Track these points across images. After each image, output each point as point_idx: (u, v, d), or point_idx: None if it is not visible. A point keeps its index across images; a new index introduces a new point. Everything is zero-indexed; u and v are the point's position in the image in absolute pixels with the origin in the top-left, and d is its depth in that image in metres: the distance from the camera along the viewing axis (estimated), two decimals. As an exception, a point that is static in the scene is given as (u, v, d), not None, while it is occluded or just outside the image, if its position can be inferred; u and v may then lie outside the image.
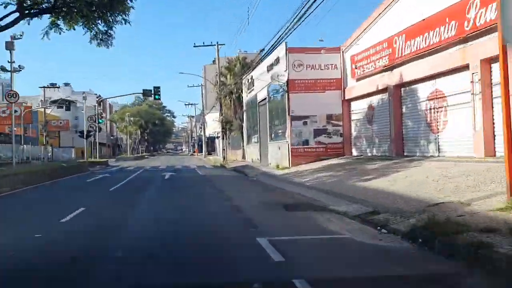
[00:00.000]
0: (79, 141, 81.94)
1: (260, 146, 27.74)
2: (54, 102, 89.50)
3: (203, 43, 37.39)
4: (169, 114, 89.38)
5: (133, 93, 37.33)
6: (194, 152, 74.69)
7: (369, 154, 18.69)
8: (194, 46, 37.76)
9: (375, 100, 18.25)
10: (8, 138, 50.41)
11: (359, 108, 19.73)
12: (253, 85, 28.94)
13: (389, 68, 16.53)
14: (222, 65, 40.39)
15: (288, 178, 15.70)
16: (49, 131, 68.21)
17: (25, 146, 52.40)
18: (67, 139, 75.22)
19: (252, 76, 29.37)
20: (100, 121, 36.64)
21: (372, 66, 17.72)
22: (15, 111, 52.57)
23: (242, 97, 41.68)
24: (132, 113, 66.40)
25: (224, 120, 38.96)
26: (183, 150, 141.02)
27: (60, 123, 68.35)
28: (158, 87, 34.45)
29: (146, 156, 68.89)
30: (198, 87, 61.08)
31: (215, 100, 52.60)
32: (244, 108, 33.98)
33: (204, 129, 55.08)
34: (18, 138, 49.94)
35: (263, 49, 20.90)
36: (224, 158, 33.66)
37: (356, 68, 19.03)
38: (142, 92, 34.97)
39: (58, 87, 53.96)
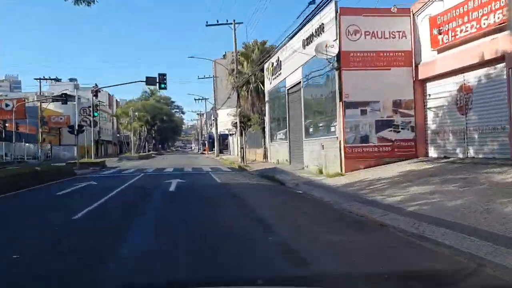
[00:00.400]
0: (83, 139, 77.08)
1: (290, 144, 22.21)
2: (54, 97, 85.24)
3: (217, 21, 31.96)
4: (177, 110, 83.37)
5: (135, 81, 31.31)
6: (204, 150, 69.34)
7: (461, 156, 13.02)
8: (207, 25, 32.43)
9: (473, 77, 12.57)
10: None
11: (440, 91, 14.04)
12: (280, 69, 23.39)
13: (507, 25, 10.85)
14: (238, 51, 34.98)
15: (359, 194, 10.11)
16: (50, 128, 63.40)
17: (19, 144, 47.60)
18: (70, 136, 70.07)
19: (278, 58, 23.82)
20: (96, 114, 31.09)
21: (471, 27, 12.05)
22: (7, 105, 47.88)
23: (261, 88, 36.33)
24: (137, 107, 60.73)
25: (242, 114, 33.69)
26: (192, 148, 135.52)
27: (61, 119, 62.99)
28: (164, 75, 29.12)
29: (153, 155, 63.54)
30: (209, 79, 55.81)
31: (227, 94, 47.35)
32: (266, 98, 28.45)
33: (216, 125, 49.68)
34: (16, 135, 45.23)
35: (314, 0, 15.18)
36: (242, 158, 28.16)
37: (440, 33, 13.34)
38: (145, 80, 29.53)
39: (56, 80, 47.97)
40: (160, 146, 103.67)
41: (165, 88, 29.39)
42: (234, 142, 45.43)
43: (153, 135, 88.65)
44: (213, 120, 50.63)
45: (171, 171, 22.50)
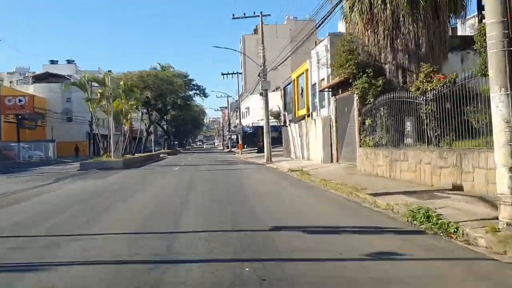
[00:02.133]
0: (76, 134, 55.04)
1: None
2: (36, 77, 64.63)
3: None
4: (198, 92, 57.95)
5: None
6: (237, 147, 46.42)
7: None
8: None
9: None
10: None
11: None
12: None
13: None
14: None
15: None
16: (4, 115, 41.76)
17: None
18: (63, 129, 48.80)
19: None
20: None
21: None
22: None
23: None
24: (129, 78, 36.56)
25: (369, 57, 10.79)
26: (216, 144, 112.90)
27: (20, 100, 40.03)
28: None
29: (161, 156, 41.47)
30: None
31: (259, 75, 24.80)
32: None
33: (266, 102, 26.50)
34: None
35: None
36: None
37: None
38: None
39: None
40: (176, 143, 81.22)
41: None
42: (316, 136, 22.36)
43: (165, 127, 66.22)
44: (261, 93, 27.39)
45: None
